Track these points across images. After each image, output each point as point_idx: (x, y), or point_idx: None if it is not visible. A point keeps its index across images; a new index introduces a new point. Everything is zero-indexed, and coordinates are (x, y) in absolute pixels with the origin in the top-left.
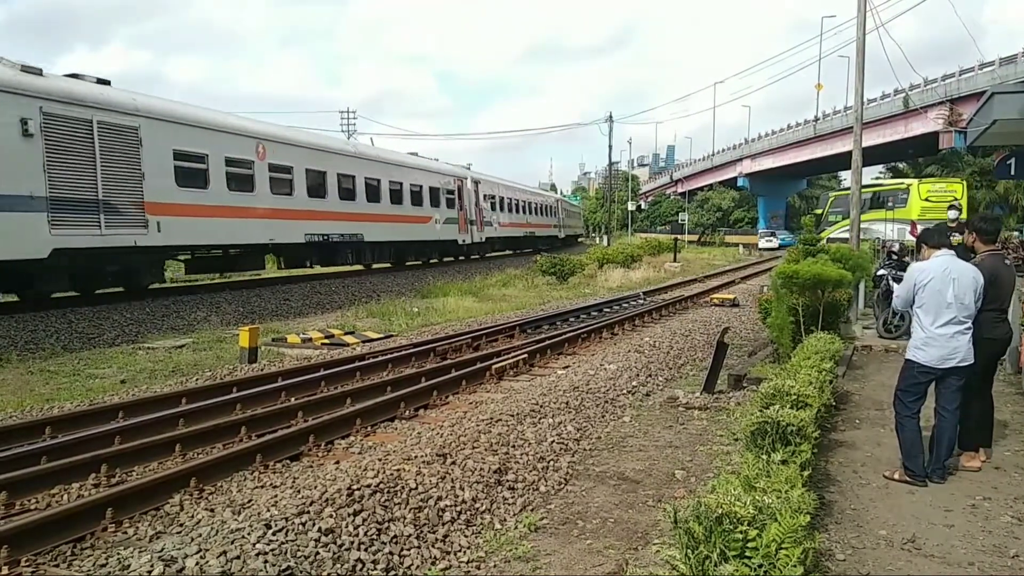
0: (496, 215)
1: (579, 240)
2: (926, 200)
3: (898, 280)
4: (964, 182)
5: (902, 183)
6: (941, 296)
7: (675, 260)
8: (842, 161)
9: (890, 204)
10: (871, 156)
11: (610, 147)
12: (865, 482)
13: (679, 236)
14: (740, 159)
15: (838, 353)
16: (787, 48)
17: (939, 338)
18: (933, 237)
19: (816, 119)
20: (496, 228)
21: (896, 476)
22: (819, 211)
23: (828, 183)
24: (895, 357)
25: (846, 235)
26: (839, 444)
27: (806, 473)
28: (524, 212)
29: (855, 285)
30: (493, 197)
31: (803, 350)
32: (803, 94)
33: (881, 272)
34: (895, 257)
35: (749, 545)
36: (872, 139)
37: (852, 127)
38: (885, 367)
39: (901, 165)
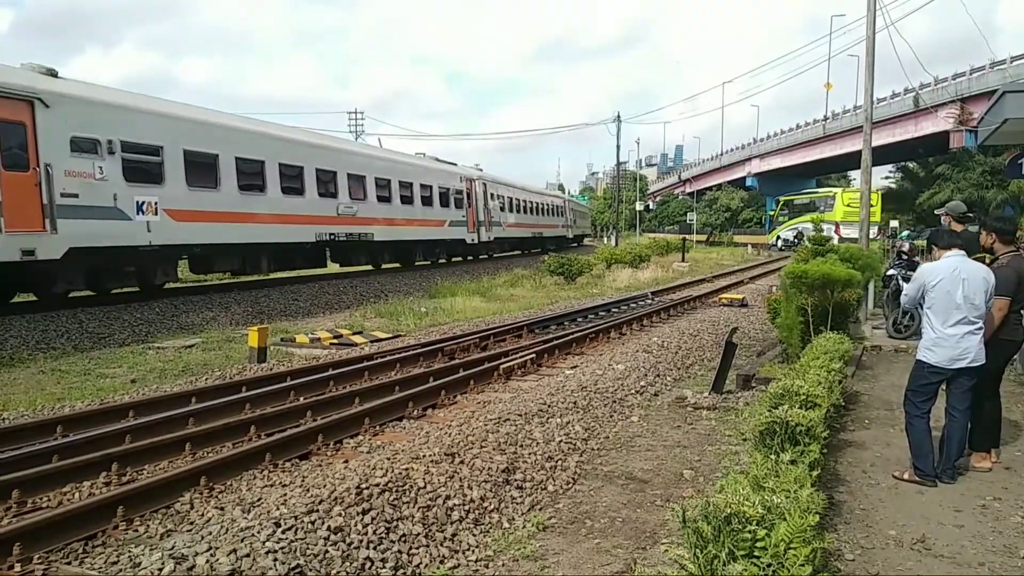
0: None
1: (583, 241)
2: (847, 206)
3: (908, 280)
4: (879, 193)
5: (831, 191)
6: (950, 297)
7: (683, 260)
8: (852, 160)
9: (822, 209)
10: (881, 155)
11: (618, 147)
12: (874, 482)
13: (687, 236)
14: (749, 159)
15: (847, 353)
16: (797, 47)
17: (949, 339)
18: (943, 238)
19: (825, 118)
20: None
21: (906, 476)
22: (772, 213)
23: (837, 182)
24: (905, 357)
25: (790, 234)
26: (848, 444)
27: (815, 473)
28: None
29: (864, 285)
30: (501, 198)
31: (812, 350)
32: (812, 93)
33: (891, 272)
34: (905, 257)
35: (758, 545)
36: (882, 138)
37: (862, 126)
38: (895, 367)
39: (911, 165)
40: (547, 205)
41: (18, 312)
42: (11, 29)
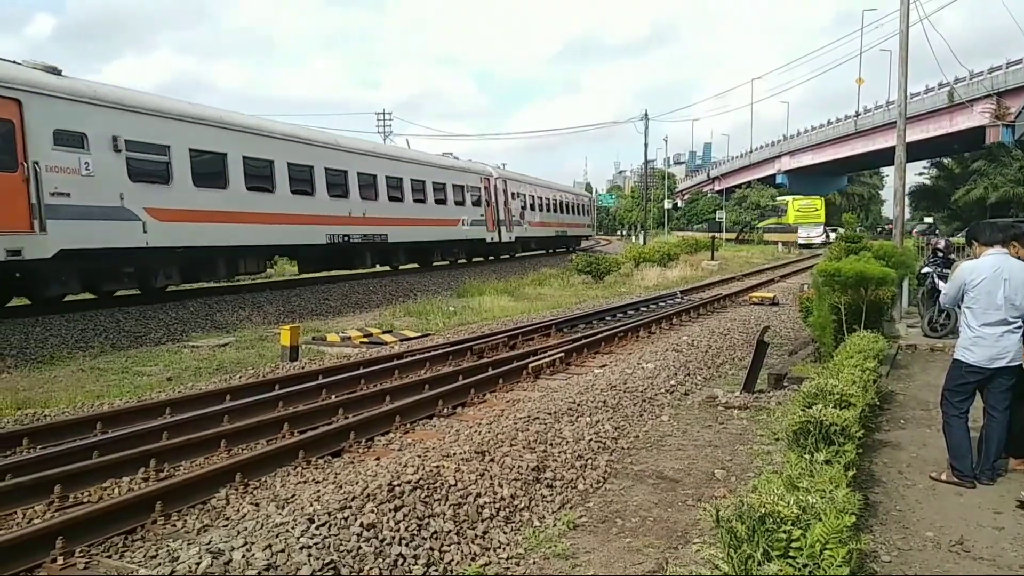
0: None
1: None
2: (798, 211)
3: (943, 278)
4: (823, 199)
5: (785, 200)
6: (991, 297)
7: (712, 258)
8: (884, 157)
9: (779, 214)
10: (915, 151)
11: (646, 145)
12: (911, 483)
13: (716, 234)
14: (779, 156)
15: (882, 352)
16: (827, 42)
17: (988, 337)
18: (984, 233)
19: (857, 114)
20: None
21: (943, 477)
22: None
23: (870, 180)
24: (941, 356)
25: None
26: (883, 444)
27: (850, 473)
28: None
29: (899, 283)
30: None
31: (846, 349)
32: (843, 89)
33: (926, 270)
34: (940, 254)
35: (793, 545)
36: (916, 134)
37: (894, 122)
38: (931, 366)
39: (946, 161)
40: (376, 179)
41: (58, 312)
42: (54, 33)
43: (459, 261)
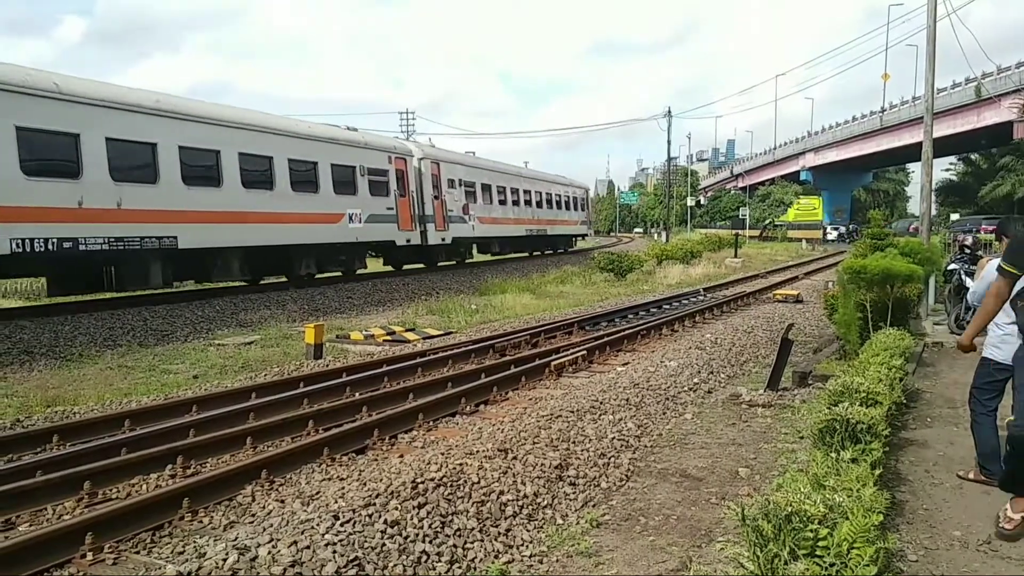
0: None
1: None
2: (797, 210)
3: (970, 274)
4: (821, 198)
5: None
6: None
7: (736, 256)
8: (910, 153)
9: (784, 211)
10: (941, 147)
11: (668, 142)
12: (938, 482)
13: (740, 231)
14: (803, 152)
15: (908, 350)
16: (853, 38)
17: (1016, 335)
18: (1012, 228)
19: (883, 110)
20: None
21: (971, 476)
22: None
23: (895, 176)
24: (968, 354)
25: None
26: (910, 443)
27: (877, 472)
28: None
29: (925, 280)
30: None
31: (871, 346)
32: (869, 85)
33: (952, 266)
34: (967, 251)
35: (820, 544)
36: (942, 129)
37: (920, 117)
38: (957, 364)
39: (974, 156)
40: (155, 151)
41: (86, 311)
42: (84, 38)
43: (358, 272)
